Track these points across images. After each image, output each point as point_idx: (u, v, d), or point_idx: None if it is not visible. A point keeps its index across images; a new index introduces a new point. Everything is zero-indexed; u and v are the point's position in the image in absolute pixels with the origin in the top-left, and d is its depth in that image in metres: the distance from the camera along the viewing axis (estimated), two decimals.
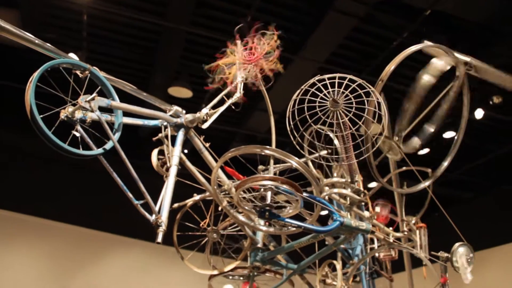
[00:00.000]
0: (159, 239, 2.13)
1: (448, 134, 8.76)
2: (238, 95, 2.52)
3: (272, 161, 2.26)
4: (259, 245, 2.73)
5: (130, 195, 2.23)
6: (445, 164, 2.83)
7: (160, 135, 2.55)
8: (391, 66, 2.35)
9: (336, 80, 1.85)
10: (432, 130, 2.77)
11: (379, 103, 1.89)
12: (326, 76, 1.89)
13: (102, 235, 10.09)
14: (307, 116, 1.89)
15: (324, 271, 2.74)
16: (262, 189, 2.11)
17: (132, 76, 7.77)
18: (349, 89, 1.83)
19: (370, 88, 1.86)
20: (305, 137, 2.21)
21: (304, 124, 2.10)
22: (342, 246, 3.30)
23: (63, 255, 9.88)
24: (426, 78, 2.86)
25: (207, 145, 2.71)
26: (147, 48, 7.38)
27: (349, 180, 2.30)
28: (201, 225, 2.72)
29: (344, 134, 1.95)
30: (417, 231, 3.60)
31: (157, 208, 2.23)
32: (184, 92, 7.89)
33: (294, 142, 2.02)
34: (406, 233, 2.87)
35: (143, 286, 10.13)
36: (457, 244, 2.68)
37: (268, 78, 2.34)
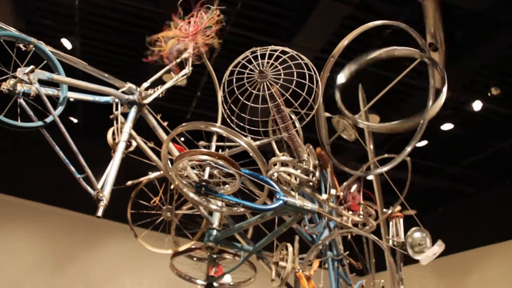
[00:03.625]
0: (99, 213, 2.11)
1: (446, 126, 8.63)
2: (186, 71, 2.48)
3: (215, 138, 2.21)
4: (215, 225, 2.70)
5: (73, 168, 2.21)
6: (408, 149, 2.75)
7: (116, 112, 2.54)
8: (344, 42, 2.28)
9: (268, 52, 1.79)
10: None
11: (317, 78, 1.83)
12: (258, 48, 1.84)
13: (99, 221, 10.12)
14: (235, 88, 1.84)
15: (282, 254, 2.68)
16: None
17: (125, 63, 7.75)
18: (279, 61, 1.77)
19: (303, 59, 1.80)
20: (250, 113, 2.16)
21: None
22: (306, 230, 3.25)
23: (60, 240, 9.96)
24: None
25: (165, 124, 2.68)
26: (140, 34, 7.34)
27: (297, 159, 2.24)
28: (151, 202, 2.68)
29: (271, 106, 1.90)
30: (393, 220, 3.53)
31: (101, 183, 2.22)
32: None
33: (225, 114, 1.96)
34: (361, 216, 2.79)
35: (139, 272, 10.19)
36: (413, 229, 2.59)
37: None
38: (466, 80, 7.63)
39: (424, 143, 9.13)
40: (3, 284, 8.93)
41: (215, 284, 3.27)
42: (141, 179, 2.73)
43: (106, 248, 10.30)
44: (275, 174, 2.31)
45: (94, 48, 7.60)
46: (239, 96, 1.92)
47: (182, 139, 2.61)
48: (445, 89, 2.61)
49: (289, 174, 2.27)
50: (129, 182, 2.72)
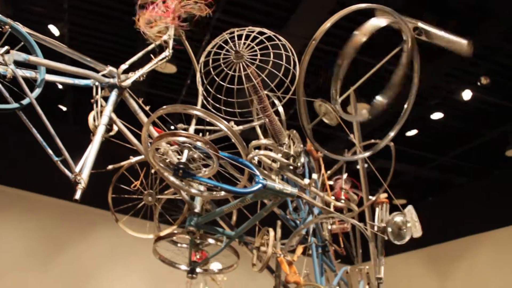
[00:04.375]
0: (77, 196, 2.09)
1: (436, 115, 8.65)
2: (166, 53, 2.45)
3: (194, 121, 2.20)
4: (197, 210, 2.69)
5: (50, 151, 2.18)
6: (392, 134, 2.73)
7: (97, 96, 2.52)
8: (326, 25, 2.25)
9: (245, 33, 1.77)
10: (384, 101, 2.64)
11: (294, 60, 1.81)
12: (236, 29, 1.82)
13: (89, 210, 10.11)
14: (211, 69, 1.82)
15: (264, 239, 2.68)
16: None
17: (114, 50, 7.68)
18: (256, 41, 1.76)
19: (281, 40, 1.78)
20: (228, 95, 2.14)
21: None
22: (289, 216, 3.25)
23: (51, 229, 9.95)
24: (356, 36, 2.67)
25: (147, 108, 2.65)
26: (130, 22, 7.27)
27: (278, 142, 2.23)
28: (132, 186, 2.67)
29: (247, 87, 1.88)
30: (378, 206, 3.53)
31: (79, 166, 2.20)
32: (168, 67, 7.81)
33: (202, 97, 1.95)
34: (343, 201, 2.79)
35: (129, 262, 10.21)
36: (394, 214, 2.59)
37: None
38: (456, 69, 7.65)
39: (414, 132, 9.17)
40: None
41: (198, 269, 3.27)
42: (122, 163, 2.71)
43: (96, 236, 10.29)
44: (256, 158, 2.30)
45: (82, 35, 7.53)
46: (215, 77, 1.91)
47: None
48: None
49: (270, 158, 2.26)
50: (110, 167, 2.70)
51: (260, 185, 2.13)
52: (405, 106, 2.72)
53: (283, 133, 2.26)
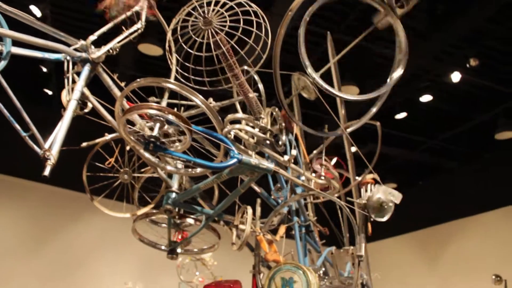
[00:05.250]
0: (46, 172, 2.02)
1: (425, 98, 8.61)
2: (138, 26, 2.37)
3: (167, 94, 2.13)
4: (174, 188, 2.63)
5: (18, 126, 2.11)
6: (373, 110, 2.67)
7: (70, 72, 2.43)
8: None
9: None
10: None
11: (266, 28, 1.74)
12: None
13: (80, 196, 10.02)
14: (179, 37, 1.75)
15: (244, 218, 2.63)
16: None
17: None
18: (225, 7, 1.68)
19: (252, 7, 1.71)
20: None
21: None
22: (273, 196, 3.20)
23: (41, 216, 9.86)
24: None
25: (123, 84, 2.58)
26: None
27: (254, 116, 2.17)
28: (106, 163, 2.60)
29: (216, 54, 1.81)
30: (364, 186, 3.48)
31: (49, 142, 2.12)
32: (153, 50, 7.69)
33: (170, 64, 1.88)
34: (323, 178, 2.74)
35: (120, 248, 10.15)
36: (374, 190, 2.54)
37: None
38: (445, 51, 7.59)
39: (403, 115, 9.13)
40: None
41: (179, 250, 3.22)
42: (97, 140, 2.64)
43: (86, 222, 10.21)
44: (232, 133, 2.24)
45: (64, 16, 7.36)
46: (183, 44, 1.83)
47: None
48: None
49: (246, 132, 2.20)
50: (84, 144, 2.63)
51: (235, 160, 2.07)
52: (388, 80, 2.66)
53: (259, 106, 2.19)
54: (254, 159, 2.12)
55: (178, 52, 2.20)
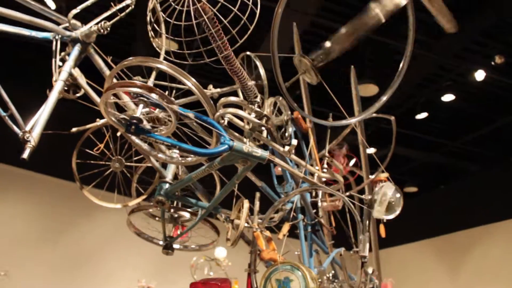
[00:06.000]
0: (25, 155, 1.89)
1: (447, 97, 8.29)
2: (128, 1, 2.22)
3: (154, 74, 1.97)
4: (168, 178, 2.47)
5: None
6: (384, 98, 2.47)
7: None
8: None
9: None
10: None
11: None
12: None
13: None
14: (157, 5, 1.60)
15: (243, 213, 2.45)
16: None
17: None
18: None
19: None
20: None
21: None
22: (279, 190, 3.01)
23: (52, 210, 9.88)
24: (375, 12, 2.38)
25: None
26: None
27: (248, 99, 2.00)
28: (95, 150, 2.46)
29: (197, 22, 1.64)
30: (376, 185, 3.27)
31: (31, 124, 1.99)
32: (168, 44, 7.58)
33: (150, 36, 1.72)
34: (326, 170, 2.53)
35: (134, 243, 10.05)
36: (381, 185, 2.34)
37: None
38: (469, 49, 7.27)
39: (424, 115, 8.81)
40: None
41: (177, 246, 3.07)
42: (88, 126, 2.50)
43: (101, 216, 10.18)
44: (226, 119, 2.07)
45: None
46: (162, 14, 1.68)
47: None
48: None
49: (239, 117, 2.03)
50: (74, 129, 2.49)
51: (225, 146, 1.89)
52: (400, 65, 2.44)
53: (255, 89, 2.02)
54: (247, 146, 1.94)
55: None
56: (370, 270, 4.49)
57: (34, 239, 9.51)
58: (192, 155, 2.20)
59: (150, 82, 1.94)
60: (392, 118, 3.55)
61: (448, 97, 8.26)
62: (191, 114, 1.88)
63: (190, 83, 1.96)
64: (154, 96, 1.75)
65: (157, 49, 2.11)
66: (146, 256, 10.07)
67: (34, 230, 9.58)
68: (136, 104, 1.82)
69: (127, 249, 10.19)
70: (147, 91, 1.74)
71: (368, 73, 7.77)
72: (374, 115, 3.66)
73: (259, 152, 1.96)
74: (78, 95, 2.50)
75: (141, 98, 1.79)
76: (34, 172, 9.76)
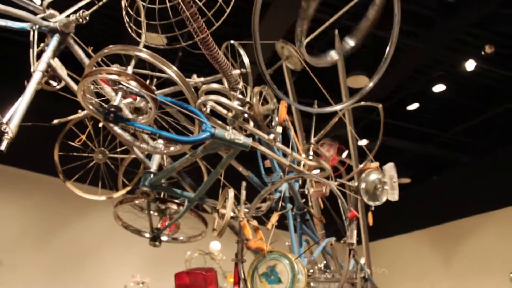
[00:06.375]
0: (3, 147, 1.86)
1: (438, 88, 8.29)
2: None
3: (133, 62, 1.93)
4: (152, 169, 2.44)
5: None
6: (370, 85, 2.45)
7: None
8: None
9: None
10: (352, 44, 2.35)
11: None
12: None
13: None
14: None
15: (228, 202, 2.42)
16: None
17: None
18: None
19: None
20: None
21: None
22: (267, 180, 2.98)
23: (47, 209, 9.82)
24: None
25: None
26: None
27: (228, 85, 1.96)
28: (77, 141, 2.42)
29: (172, 4, 1.61)
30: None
31: (8, 115, 1.96)
32: (157, 40, 7.51)
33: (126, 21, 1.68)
34: (311, 157, 2.51)
35: (129, 240, 10.01)
36: (368, 171, 2.32)
37: None
38: (459, 39, 7.27)
39: (415, 106, 8.81)
40: None
41: (165, 238, 3.05)
42: (70, 117, 2.46)
43: (96, 215, 10.12)
44: (208, 106, 2.04)
45: None
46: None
47: None
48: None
49: (220, 104, 2.00)
50: (56, 121, 2.45)
51: (207, 134, 1.87)
52: (387, 49, 2.42)
53: (234, 74, 1.98)
54: (229, 133, 1.92)
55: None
56: (362, 261, 4.49)
57: (27, 240, 9.44)
58: (175, 145, 2.17)
59: (129, 70, 1.90)
60: (380, 106, 3.53)
61: (439, 88, 8.25)
62: (170, 101, 1.85)
63: (170, 70, 1.93)
64: (132, 83, 1.71)
65: (136, 37, 2.07)
66: (140, 252, 10.04)
67: (26, 231, 9.51)
68: (116, 92, 1.78)
69: (121, 246, 10.13)
70: (125, 78, 1.70)
71: (356, 64, 7.74)
72: (362, 103, 3.65)
73: (242, 139, 1.94)
74: (58, 87, 2.46)
75: (120, 86, 1.76)
76: (20, 169, 9.68)
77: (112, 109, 1.72)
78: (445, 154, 11.20)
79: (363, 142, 3.83)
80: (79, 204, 9.97)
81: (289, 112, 3.16)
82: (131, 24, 1.88)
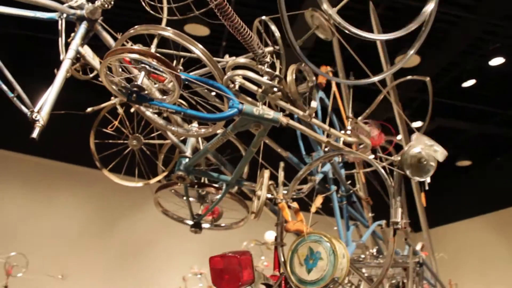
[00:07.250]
0: (34, 134, 1.86)
1: (495, 61, 7.75)
2: None
3: (155, 41, 1.88)
4: (187, 153, 2.40)
5: (5, 87, 1.97)
6: (411, 52, 2.26)
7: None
8: None
9: None
10: None
11: None
12: None
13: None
14: None
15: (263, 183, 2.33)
16: None
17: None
18: None
19: None
20: None
21: None
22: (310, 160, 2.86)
23: (105, 203, 10.22)
24: None
25: (129, 44, 2.37)
26: None
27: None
28: (109, 127, 2.41)
29: None
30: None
31: (40, 103, 1.97)
32: (201, 30, 7.56)
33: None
34: (350, 132, 2.35)
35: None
36: (411, 143, 2.13)
37: None
38: None
39: (471, 82, 8.29)
40: (51, 246, 9.25)
41: (207, 225, 3.00)
42: (103, 105, 2.46)
43: (152, 207, 10.39)
44: (237, 82, 1.95)
45: None
46: None
47: None
48: None
49: (248, 79, 1.91)
50: (89, 109, 2.46)
51: (234, 110, 1.79)
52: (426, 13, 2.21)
53: (266, 50, 1.89)
54: (258, 108, 1.82)
55: None
56: (418, 246, 4.26)
57: (89, 231, 9.89)
58: (207, 126, 2.12)
59: (152, 49, 1.85)
60: (427, 79, 3.31)
61: (496, 61, 7.71)
62: (194, 78, 1.78)
63: (195, 48, 1.87)
64: (154, 62, 1.66)
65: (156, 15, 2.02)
66: (198, 242, 10.16)
67: (87, 223, 9.94)
68: (138, 72, 1.74)
69: (179, 236, 10.34)
70: (146, 56, 1.65)
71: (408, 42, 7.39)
72: (409, 77, 3.44)
73: (271, 114, 1.84)
74: (91, 75, 2.47)
75: (142, 65, 1.71)
76: (82, 167, 10.07)
77: (135, 89, 1.67)
78: (507, 133, 10.50)
79: (417, 124, 3.61)
80: (135, 198, 10.31)
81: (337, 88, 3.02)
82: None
